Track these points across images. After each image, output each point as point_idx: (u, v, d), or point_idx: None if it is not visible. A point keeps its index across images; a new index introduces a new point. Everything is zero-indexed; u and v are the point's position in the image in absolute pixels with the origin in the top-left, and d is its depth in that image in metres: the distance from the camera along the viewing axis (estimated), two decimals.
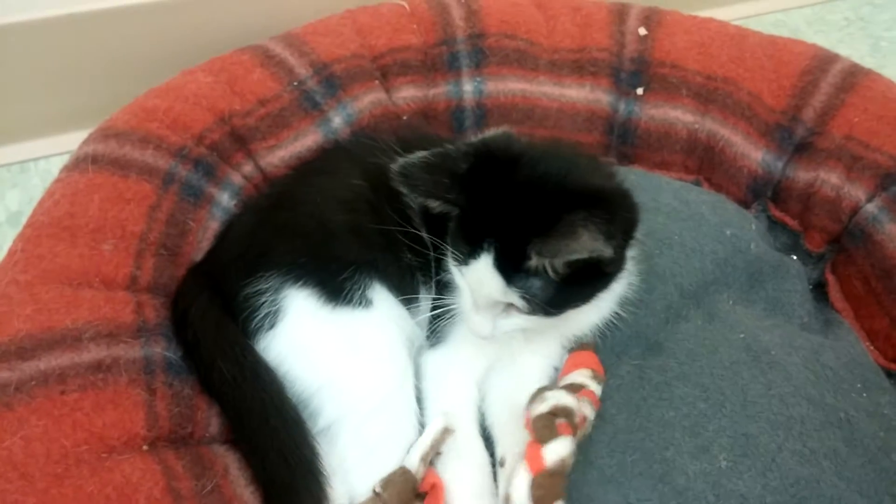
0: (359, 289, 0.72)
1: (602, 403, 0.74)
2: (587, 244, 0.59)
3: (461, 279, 0.69)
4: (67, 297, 0.68)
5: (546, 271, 0.64)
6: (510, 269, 0.64)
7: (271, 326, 0.72)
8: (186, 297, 0.73)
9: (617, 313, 0.78)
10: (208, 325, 0.71)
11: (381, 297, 0.74)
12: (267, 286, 0.72)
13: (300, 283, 0.72)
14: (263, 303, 0.72)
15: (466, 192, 0.65)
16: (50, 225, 0.73)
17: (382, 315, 0.74)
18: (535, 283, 0.64)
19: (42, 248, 0.71)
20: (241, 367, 0.69)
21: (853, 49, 1.33)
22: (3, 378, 0.63)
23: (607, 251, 0.60)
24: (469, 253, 0.65)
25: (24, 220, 0.97)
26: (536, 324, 0.70)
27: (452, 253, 0.68)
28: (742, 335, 0.78)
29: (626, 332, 0.80)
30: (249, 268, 0.73)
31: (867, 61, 1.29)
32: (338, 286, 0.72)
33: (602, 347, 0.80)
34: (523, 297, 0.65)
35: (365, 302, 0.73)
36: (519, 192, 0.64)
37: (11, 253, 0.72)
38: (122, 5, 0.98)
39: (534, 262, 0.62)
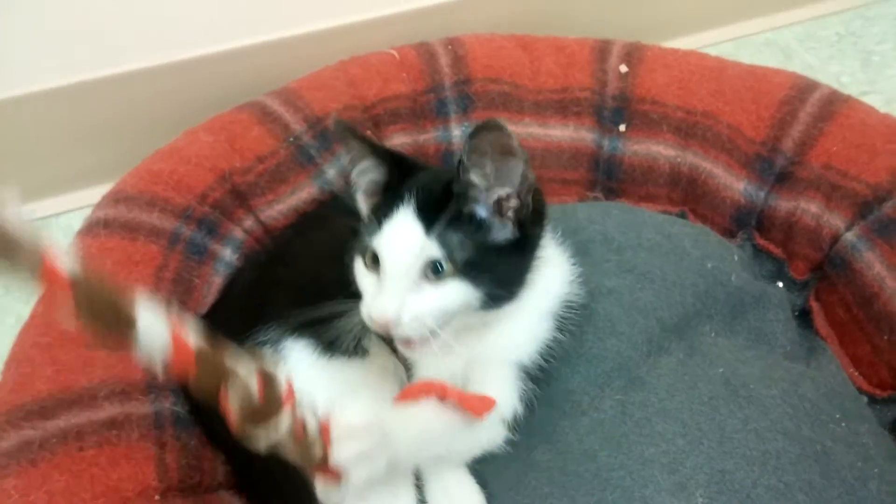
0: (353, 340, 0.74)
1: (587, 437, 0.78)
2: (503, 139, 0.62)
3: (366, 270, 0.68)
4: (83, 358, 0.74)
5: (467, 221, 0.65)
6: (430, 217, 0.64)
7: None
8: None
9: (556, 337, 0.77)
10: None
11: (377, 346, 0.78)
12: (267, 338, 0.76)
13: (297, 334, 0.76)
14: (263, 353, 0.76)
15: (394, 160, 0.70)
16: None
17: (378, 363, 0.77)
18: (455, 237, 0.65)
19: None
20: None
21: (844, 65, 1.34)
22: (28, 436, 0.69)
23: (520, 154, 0.63)
24: (386, 212, 0.66)
25: None
26: (453, 315, 0.66)
27: (367, 227, 0.68)
28: (721, 369, 0.81)
29: (608, 364, 0.83)
30: (251, 320, 0.77)
31: (858, 76, 1.32)
32: (333, 338, 0.74)
33: (585, 378, 0.82)
34: (443, 249, 0.64)
35: (361, 352, 0.76)
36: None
37: (33, 316, 0.79)
38: (128, 70, 1.05)
39: (461, 184, 0.64)
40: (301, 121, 0.96)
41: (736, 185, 0.96)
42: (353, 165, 0.72)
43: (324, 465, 0.54)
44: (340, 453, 0.54)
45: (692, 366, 0.83)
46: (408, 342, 0.66)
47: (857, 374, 0.88)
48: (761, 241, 0.97)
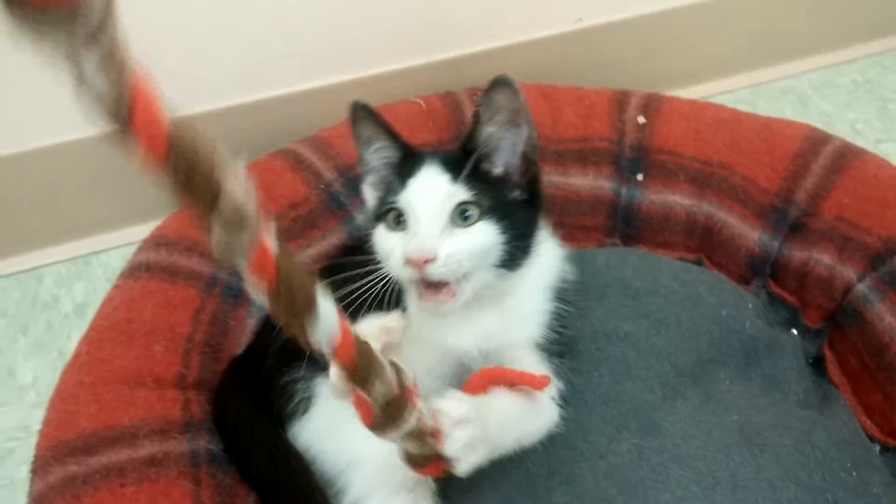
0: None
1: (604, 481, 0.80)
2: (514, 96, 0.72)
3: (390, 231, 0.74)
4: (125, 397, 0.78)
5: (484, 178, 0.74)
6: (453, 170, 0.73)
7: (305, 412, 0.79)
8: (225, 393, 0.82)
9: (559, 309, 0.80)
10: (244, 420, 0.79)
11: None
12: (301, 375, 0.80)
13: (327, 371, 0.80)
14: (297, 390, 0.79)
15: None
16: (110, 329, 0.83)
17: None
18: (477, 186, 0.72)
19: (103, 352, 0.82)
20: (275, 458, 0.77)
21: (859, 113, 1.37)
22: (72, 472, 0.73)
23: (527, 113, 0.74)
24: (410, 172, 0.74)
25: (88, 310, 1.13)
26: (483, 257, 0.71)
27: (389, 192, 0.75)
28: (736, 417, 0.84)
29: (624, 406, 0.86)
30: (286, 359, 0.81)
31: (874, 124, 1.35)
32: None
33: (602, 419, 0.85)
34: (470, 190, 0.71)
35: None
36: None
37: (77, 355, 0.83)
38: None
39: (476, 140, 0.74)
40: (332, 168, 1.00)
41: (751, 235, 0.99)
42: (367, 146, 0.80)
43: (435, 458, 0.58)
44: (453, 443, 0.57)
45: (707, 412, 0.86)
46: (436, 292, 0.70)
47: (869, 422, 0.90)
48: (776, 289, 1.00)
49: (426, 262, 0.67)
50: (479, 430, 0.59)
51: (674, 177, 1.03)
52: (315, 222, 0.98)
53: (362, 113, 0.79)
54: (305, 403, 0.79)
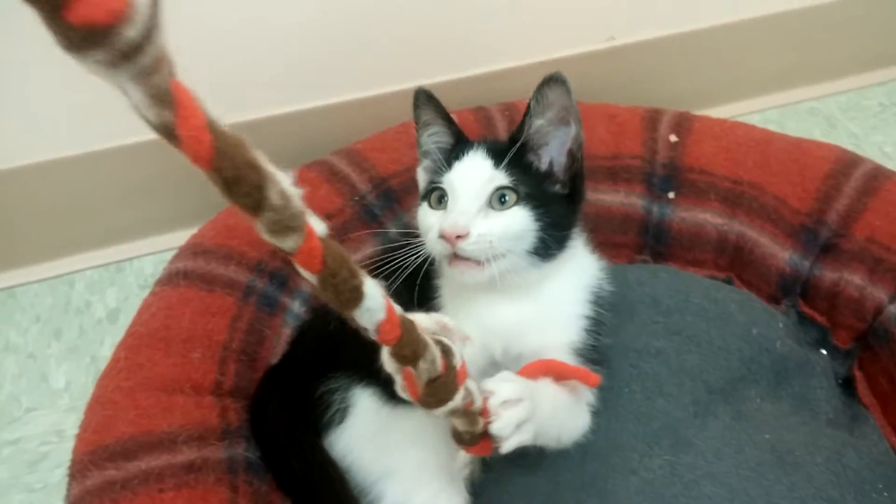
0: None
1: (637, 497, 0.80)
2: (566, 95, 0.75)
3: (431, 209, 0.77)
4: (163, 403, 0.79)
5: (528, 168, 0.77)
6: (498, 157, 0.76)
7: (341, 422, 0.80)
8: (261, 402, 0.83)
9: (597, 314, 0.81)
10: (281, 429, 0.81)
11: None
12: (337, 385, 0.81)
13: (364, 383, 0.81)
14: (334, 400, 0.81)
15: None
16: (148, 336, 0.84)
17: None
18: (519, 175, 0.75)
19: (141, 357, 0.83)
20: (311, 465, 0.78)
21: (887, 136, 1.37)
22: (111, 476, 0.73)
23: (576, 112, 0.77)
24: (457, 156, 0.78)
25: (121, 316, 1.14)
26: (515, 241, 0.73)
27: (435, 173, 0.79)
28: (767, 435, 0.84)
29: (656, 423, 0.86)
30: (322, 370, 0.83)
31: None
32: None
33: (633, 434, 0.85)
34: (510, 178, 0.74)
35: None
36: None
37: (115, 360, 0.84)
38: None
39: (524, 131, 0.76)
40: (366, 181, 1.02)
41: (781, 255, 0.99)
42: (424, 130, 0.83)
43: (483, 437, 0.60)
44: (501, 423, 0.59)
45: (739, 430, 0.86)
46: (466, 264, 0.72)
47: None
48: (806, 309, 1.00)
49: (458, 237, 0.70)
50: (528, 411, 0.61)
51: (705, 195, 1.04)
52: (349, 233, 0.99)
53: (424, 98, 0.82)
54: (342, 413, 0.80)
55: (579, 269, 0.83)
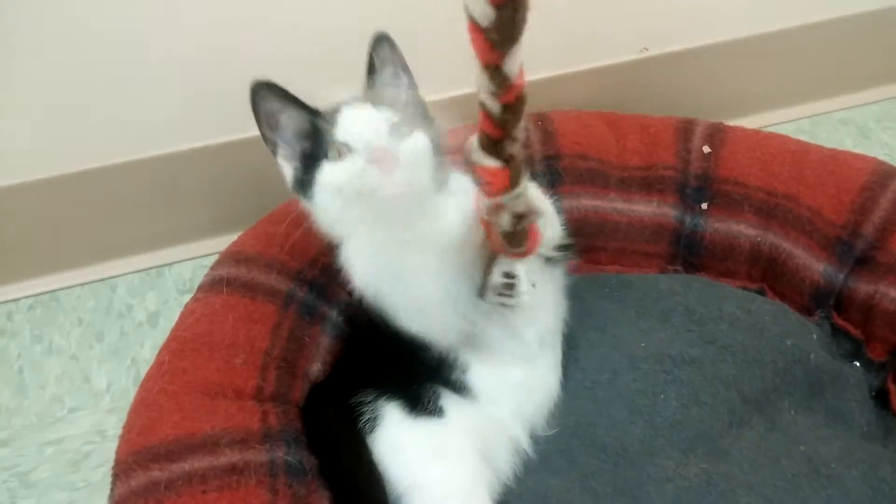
0: (430, 400, 0.84)
1: None
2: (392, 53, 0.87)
3: (334, 162, 0.80)
4: (206, 406, 0.81)
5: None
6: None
7: (372, 430, 0.83)
8: (316, 405, 0.88)
9: None
10: (334, 428, 0.85)
11: (452, 404, 0.85)
12: (368, 398, 0.84)
13: (388, 395, 0.84)
14: (365, 411, 0.84)
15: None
16: (192, 340, 0.86)
17: (456, 423, 0.84)
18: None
19: (185, 362, 0.84)
20: (360, 461, 0.82)
21: None
22: (156, 477, 0.75)
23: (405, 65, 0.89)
24: (334, 114, 0.81)
25: (160, 320, 1.17)
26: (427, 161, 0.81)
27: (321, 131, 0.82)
28: (803, 447, 0.84)
29: (691, 431, 0.87)
30: (357, 382, 0.86)
31: None
32: (415, 399, 0.84)
33: (668, 442, 0.87)
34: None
35: (439, 411, 0.84)
36: None
37: (160, 363, 0.86)
38: (239, 139, 1.15)
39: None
40: None
41: (815, 267, 0.99)
42: (273, 120, 0.85)
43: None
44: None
45: (774, 441, 0.86)
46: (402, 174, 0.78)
47: None
48: (839, 321, 1.00)
49: (389, 155, 0.78)
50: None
51: (738, 207, 1.04)
52: None
53: (265, 91, 0.83)
54: (372, 423, 0.83)
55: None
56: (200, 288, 0.93)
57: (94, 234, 1.22)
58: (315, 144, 0.84)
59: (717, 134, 1.09)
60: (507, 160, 0.59)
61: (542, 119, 1.13)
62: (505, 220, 0.65)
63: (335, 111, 0.83)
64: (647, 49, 1.23)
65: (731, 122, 1.11)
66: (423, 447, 0.82)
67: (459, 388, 0.86)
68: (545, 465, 0.88)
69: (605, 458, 0.87)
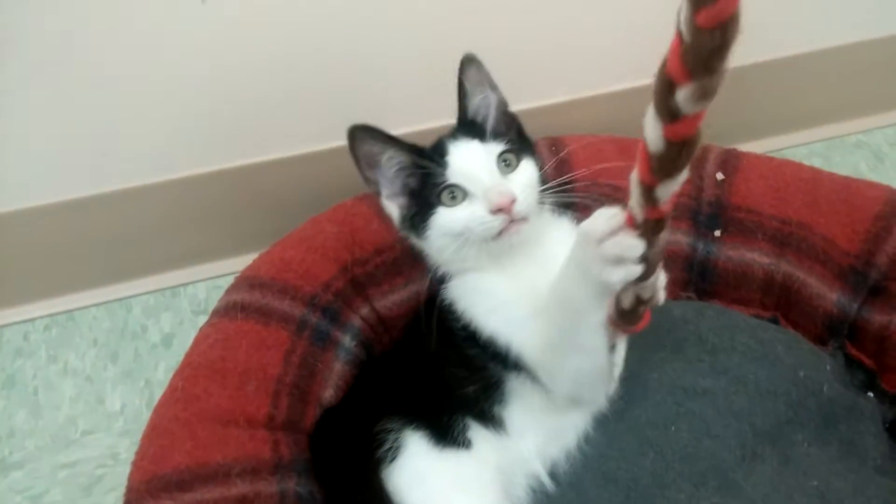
0: (459, 432, 0.84)
1: None
2: (480, 72, 0.88)
3: (449, 208, 0.81)
4: (218, 435, 0.82)
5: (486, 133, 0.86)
6: (473, 134, 0.85)
7: (393, 459, 0.83)
8: (323, 436, 0.88)
9: None
10: (343, 459, 0.85)
11: (480, 437, 0.85)
12: (392, 426, 0.84)
13: (414, 425, 0.84)
14: (387, 439, 0.83)
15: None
16: (205, 367, 0.87)
17: (481, 456, 0.84)
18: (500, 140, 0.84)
19: (198, 388, 0.85)
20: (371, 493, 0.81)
21: None
22: None
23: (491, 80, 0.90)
24: (441, 154, 0.83)
25: (174, 341, 1.17)
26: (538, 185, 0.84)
27: (431, 175, 0.82)
28: (816, 482, 0.83)
29: (703, 464, 0.86)
30: (380, 411, 0.86)
31: None
32: (444, 430, 0.83)
33: (680, 474, 0.86)
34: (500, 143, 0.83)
35: (466, 443, 0.84)
36: None
37: (173, 389, 0.87)
38: (255, 162, 1.16)
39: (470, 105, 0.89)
40: None
41: (829, 296, 0.99)
42: (375, 160, 0.85)
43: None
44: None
45: (787, 475, 0.85)
46: (518, 224, 0.80)
47: None
48: (853, 352, 0.99)
49: (512, 202, 0.78)
50: None
51: (752, 234, 1.04)
52: (400, 269, 1.01)
53: (362, 134, 0.84)
54: (394, 452, 0.83)
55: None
56: (215, 312, 0.93)
57: (110, 254, 1.23)
58: (421, 182, 0.85)
59: (730, 160, 1.08)
60: (643, 259, 0.61)
61: (555, 144, 1.13)
62: (628, 301, 0.66)
63: (440, 148, 0.84)
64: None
65: (745, 146, 1.11)
66: (446, 478, 0.82)
67: (491, 421, 0.86)
68: (556, 498, 0.87)
69: (616, 492, 0.86)
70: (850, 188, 1.03)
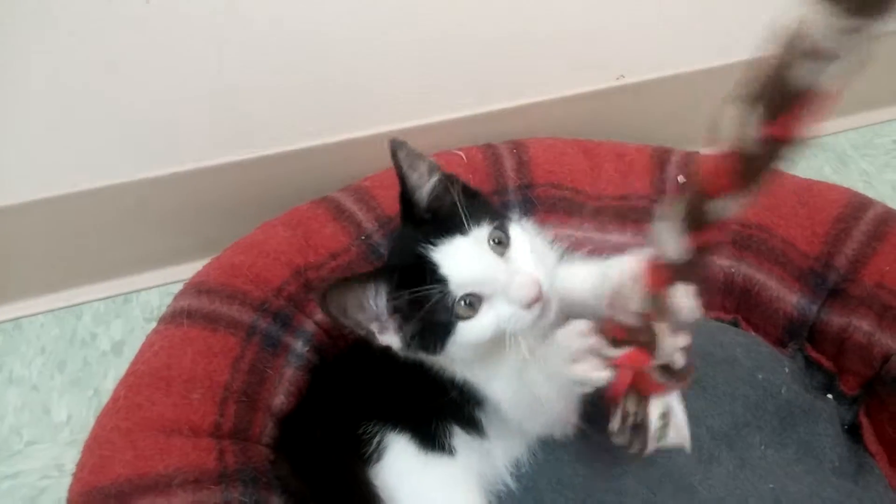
0: (443, 437, 0.83)
1: None
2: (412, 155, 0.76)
3: (476, 320, 0.72)
4: (161, 445, 0.79)
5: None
6: (459, 229, 0.73)
7: (378, 460, 0.83)
8: (296, 438, 0.87)
9: None
10: (329, 456, 0.84)
11: (464, 444, 0.84)
12: (375, 430, 0.84)
13: (398, 429, 0.83)
14: (372, 440, 0.83)
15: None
16: (149, 375, 0.84)
17: (463, 462, 0.84)
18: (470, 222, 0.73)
19: (141, 397, 0.82)
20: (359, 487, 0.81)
21: None
22: None
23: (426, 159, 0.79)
24: (434, 267, 0.72)
25: (125, 349, 1.14)
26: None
27: (441, 299, 0.71)
28: (772, 485, 0.82)
29: (659, 468, 0.85)
30: (356, 415, 0.85)
31: None
32: (427, 435, 0.83)
33: (636, 479, 0.85)
34: (483, 227, 0.73)
35: (450, 449, 0.84)
36: None
37: (115, 399, 0.84)
38: (211, 165, 1.13)
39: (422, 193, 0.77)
40: (373, 220, 1.01)
41: (789, 298, 0.98)
42: (360, 303, 0.73)
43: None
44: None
45: (743, 478, 0.85)
46: (550, 303, 0.71)
47: None
48: (812, 354, 0.98)
49: (539, 287, 0.69)
50: None
51: None
52: (354, 272, 0.98)
53: (335, 290, 0.71)
54: (379, 453, 0.83)
55: None
56: (161, 320, 0.91)
57: (58, 260, 1.19)
58: (414, 303, 0.72)
59: (692, 163, 1.08)
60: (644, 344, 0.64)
61: (516, 147, 1.12)
62: (656, 375, 0.67)
63: (422, 261, 0.72)
64: (623, 76, 1.22)
65: (710, 150, 1.10)
66: (428, 482, 0.83)
67: (471, 423, 0.84)
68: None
69: (572, 497, 0.85)
70: (811, 190, 1.02)
